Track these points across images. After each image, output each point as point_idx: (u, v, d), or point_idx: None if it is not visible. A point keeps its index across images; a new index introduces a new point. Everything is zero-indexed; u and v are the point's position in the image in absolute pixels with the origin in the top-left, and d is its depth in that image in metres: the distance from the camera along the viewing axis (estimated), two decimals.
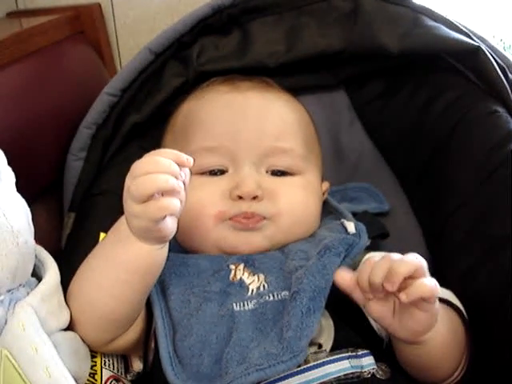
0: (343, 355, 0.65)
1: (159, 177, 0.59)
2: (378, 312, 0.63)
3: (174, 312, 0.70)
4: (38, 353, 0.56)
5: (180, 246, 0.78)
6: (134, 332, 0.71)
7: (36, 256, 0.67)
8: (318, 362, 0.64)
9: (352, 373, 0.64)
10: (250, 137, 0.77)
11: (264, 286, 0.70)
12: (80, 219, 0.87)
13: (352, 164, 0.98)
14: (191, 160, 0.61)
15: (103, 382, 0.70)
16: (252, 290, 0.70)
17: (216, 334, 0.67)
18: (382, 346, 0.69)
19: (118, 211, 0.83)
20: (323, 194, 0.85)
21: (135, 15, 1.12)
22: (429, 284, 0.59)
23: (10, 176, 0.65)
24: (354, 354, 0.66)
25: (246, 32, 0.92)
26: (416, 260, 0.60)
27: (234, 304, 0.69)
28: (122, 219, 0.65)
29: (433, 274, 0.76)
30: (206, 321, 0.68)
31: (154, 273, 0.66)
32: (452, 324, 0.68)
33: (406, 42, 0.85)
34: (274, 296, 0.69)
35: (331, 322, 0.68)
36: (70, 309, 0.67)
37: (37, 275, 0.67)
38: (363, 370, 0.64)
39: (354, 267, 0.75)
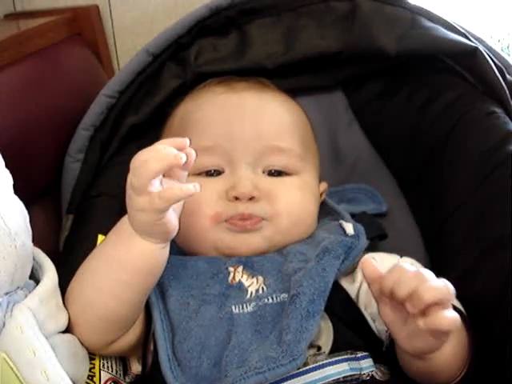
0: (342, 357, 0.65)
1: (155, 158, 0.58)
2: (389, 317, 0.61)
3: (173, 314, 0.70)
4: (36, 355, 0.56)
5: (179, 248, 0.78)
6: (133, 334, 0.71)
7: (34, 258, 0.67)
8: (317, 364, 0.64)
9: (351, 375, 0.64)
10: (246, 137, 0.77)
11: (263, 288, 0.70)
12: (78, 221, 0.87)
13: (350, 165, 0.98)
14: (187, 140, 0.61)
15: None
16: (251, 293, 0.70)
17: (215, 336, 0.67)
18: (382, 348, 0.69)
19: (116, 213, 0.84)
20: (321, 194, 0.85)
21: (133, 17, 1.12)
22: (450, 318, 0.56)
23: (7, 178, 0.65)
24: (353, 356, 0.66)
25: (243, 33, 0.92)
26: (444, 288, 0.57)
27: (233, 306, 0.69)
28: (124, 220, 0.65)
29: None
30: (205, 323, 0.68)
31: (155, 274, 0.66)
32: (457, 333, 0.67)
33: (403, 43, 0.85)
34: (273, 298, 0.69)
35: (330, 325, 0.68)
36: (68, 311, 0.67)
37: (35, 278, 0.67)
38: (362, 373, 0.65)
39: (352, 268, 0.75)
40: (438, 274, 0.78)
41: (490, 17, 1.15)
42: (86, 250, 0.77)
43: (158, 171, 0.59)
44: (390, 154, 0.96)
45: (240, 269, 0.73)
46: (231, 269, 0.73)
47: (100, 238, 0.80)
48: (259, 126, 0.78)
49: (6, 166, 0.66)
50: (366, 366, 0.65)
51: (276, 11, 0.93)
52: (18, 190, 0.66)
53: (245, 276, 0.72)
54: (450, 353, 0.64)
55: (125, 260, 0.64)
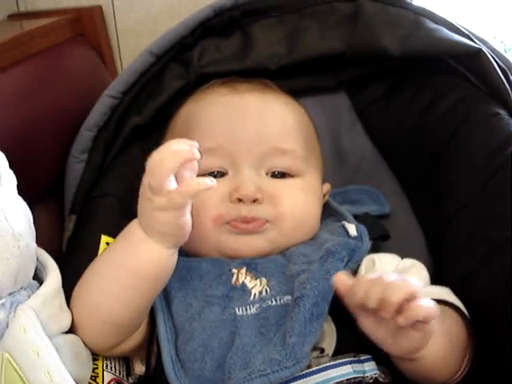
0: (346, 360, 0.65)
1: (169, 156, 0.59)
2: (371, 328, 0.62)
3: (177, 316, 0.70)
4: (40, 356, 0.56)
5: (182, 250, 0.78)
6: (137, 336, 0.71)
7: (37, 259, 0.67)
8: (321, 366, 0.64)
9: (354, 378, 0.64)
10: (250, 139, 0.77)
11: (266, 290, 0.70)
12: (81, 221, 0.87)
13: (353, 166, 0.98)
14: (196, 143, 0.61)
15: None
16: (254, 295, 0.70)
17: (218, 338, 0.67)
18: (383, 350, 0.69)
19: (119, 213, 0.84)
20: (324, 195, 0.85)
21: (136, 17, 1.12)
22: (424, 306, 0.57)
23: (11, 179, 0.65)
24: (356, 358, 0.66)
25: (247, 34, 0.92)
26: (407, 285, 0.58)
27: (237, 308, 0.69)
28: (133, 224, 0.65)
29: (434, 275, 0.77)
30: (209, 325, 0.68)
31: (163, 280, 0.66)
32: (451, 329, 0.68)
33: (406, 45, 0.85)
34: (276, 300, 0.69)
35: (333, 327, 0.68)
36: (74, 313, 0.67)
37: (38, 278, 0.67)
38: (365, 375, 0.65)
39: (355, 269, 0.75)
40: (441, 275, 0.79)
41: (493, 18, 1.15)
42: (89, 251, 0.78)
43: (174, 167, 0.59)
44: (393, 155, 0.95)
45: (243, 270, 0.73)
46: (234, 270, 0.73)
47: (103, 238, 0.80)
48: (262, 127, 0.78)
49: (10, 166, 0.66)
50: (370, 368, 0.65)
51: (279, 12, 0.93)
52: (21, 190, 0.66)
53: (248, 278, 0.72)
54: (440, 350, 0.64)
55: (134, 265, 0.64)
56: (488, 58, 0.82)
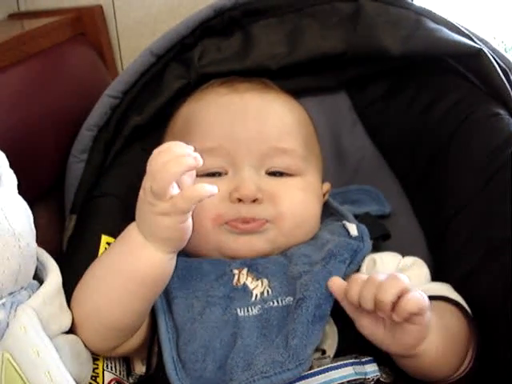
0: (347, 361, 0.65)
1: (174, 161, 0.59)
2: (368, 329, 0.63)
3: (178, 316, 0.70)
4: (40, 356, 0.56)
5: (183, 250, 0.78)
6: (137, 338, 0.70)
7: (38, 259, 0.67)
8: (322, 367, 0.64)
9: (355, 379, 0.64)
10: (249, 138, 0.77)
11: (268, 291, 0.70)
12: (81, 221, 0.87)
13: (353, 166, 0.98)
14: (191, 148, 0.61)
15: None
16: (256, 295, 0.70)
17: (220, 339, 0.67)
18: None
19: (119, 213, 0.84)
20: (324, 195, 0.85)
21: (137, 17, 1.12)
22: (415, 299, 0.59)
23: (11, 179, 0.65)
24: (357, 360, 0.66)
25: (247, 34, 0.92)
26: (397, 282, 0.60)
27: (238, 309, 0.69)
28: (131, 228, 0.65)
29: (434, 275, 0.77)
30: (210, 326, 0.68)
31: (162, 283, 0.66)
32: (451, 325, 0.68)
33: (407, 45, 0.85)
34: (278, 302, 0.69)
35: (335, 328, 0.68)
36: (73, 315, 0.66)
37: (38, 278, 0.67)
38: (367, 377, 0.65)
39: (356, 270, 0.75)
40: (442, 275, 0.79)
41: (493, 18, 1.15)
42: (89, 250, 0.78)
43: (178, 173, 0.59)
44: (394, 155, 0.96)
45: (244, 271, 0.73)
46: (236, 271, 0.73)
47: (103, 238, 0.80)
48: (262, 127, 0.78)
49: (10, 166, 0.66)
50: (371, 370, 0.65)
51: (280, 12, 0.92)
52: (21, 190, 0.66)
53: (249, 278, 0.72)
54: (440, 346, 0.65)
55: (133, 270, 0.64)
56: (488, 57, 0.82)
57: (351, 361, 0.65)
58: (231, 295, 0.71)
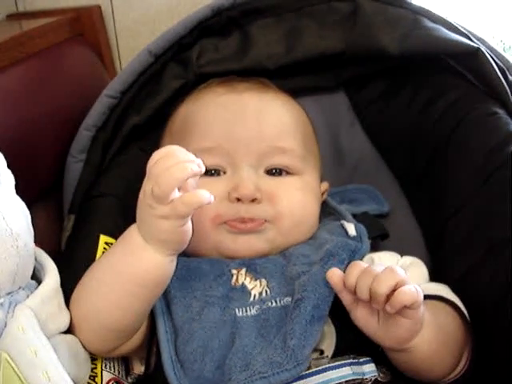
0: (345, 362, 0.65)
1: (177, 167, 0.58)
2: (363, 320, 0.64)
3: (176, 316, 0.70)
4: (38, 356, 0.56)
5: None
6: (136, 338, 0.70)
7: (36, 259, 0.67)
8: (320, 368, 0.65)
9: (353, 380, 0.64)
10: (248, 138, 0.77)
11: (266, 291, 0.71)
12: (80, 221, 0.87)
13: (352, 165, 0.98)
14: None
15: None
16: (254, 296, 0.70)
17: (218, 339, 0.67)
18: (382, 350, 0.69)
19: (117, 213, 0.84)
20: (322, 194, 0.85)
21: (135, 17, 1.12)
22: (409, 292, 0.59)
23: (9, 179, 0.65)
24: (355, 360, 0.66)
25: (245, 34, 0.92)
26: (393, 275, 0.61)
27: (237, 309, 0.69)
28: (132, 230, 0.64)
29: (432, 274, 0.78)
30: (208, 325, 0.68)
31: (162, 285, 0.66)
32: (445, 323, 0.69)
33: (405, 44, 0.85)
34: (276, 302, 0.69)
35: (333, 328, 0.68)
36: (72, 316, 0.66)
37: (37, 278, 0.67)
38: (365, 377, 0.65)
39: None
40: (440, 274, 0.79)
41: (492, 17, 1.15)
42: (87, 250, 0.78)
43: (182, 180, 0.59)
44: (392, 154, 0.96)
45: (243, 271, 0.73)
46: (234, 271, 0.73)
47: (102, 238, 0.80)
48: (260, 126, 0.78)
49: (9, 166, 0.66)
50: (369, 370, 0.66)
51: (278, 11, 0.92)
52: (20, 190, 0.66)
53: (248, 278, 0.72)
54: (433, 342, 0.65)
55: (133, 272, 0.64)
56: (486, 57, 0.82)
57: (349, 361, 0.65)
58: (230, 295, 0.71)
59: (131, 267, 0.64)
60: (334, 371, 0.64)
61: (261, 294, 0.70)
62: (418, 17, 0.87)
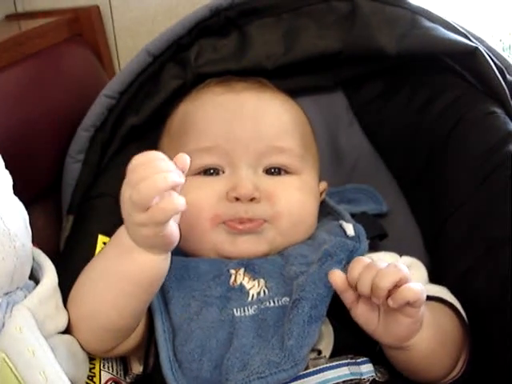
0: (343, 362, 0.65)
1: (158, 177, 0.57)
2: (363, 317, 0.64)
3: (174, 316, 0.70)
4: (35, 356, 0.56)
5: (180, 249, 0.78)
6: (134, 338, 0.70)
7: (34, 259, 0.67)
8: (318, 368, 0.65)
9: (351, 380, 0.64)
10: (246, 137, 0.77)
11: (264, 291, 0.70)
12: (78, 222, 0.87)
13: (350, 165, 0.98)
14: (187, 157, 0.61)
15: None
16: (252, 296, 0.70)
17: (216, 338, 0.67)
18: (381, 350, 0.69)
19: (116, 213, 0.83)
20: (321, 194, 0.85)
21: (134, 17, 1.12)
22: (414, 288, 0.60)
23: (6, 179, 0.65)
24: (353, 361, 0.66)
25: (244, 34, 0.92)
26: (397, 270, 0.61)
27: (235, 309, 0.69)
28: (121, 230, 0.64)
29: (431, 274, 0.78)
30: (206, 325, 0.68)
31: (157, 284, 0.66)
32: (444, 323, 0.69)
33: (403, 44, 0.85)
34: (274, 302, 0.69)
35: (331, 328, 0.68)
36: (71, 316, 0.67)
37: (35, 278, 0.67)
38: (362, 378, 0.65)
39: None
40: (439, 274, 0.79)
41: (491, 16, 1.15)
42: (86, 251, 0.78)
43: (163, 190, 0.58)
44: (391, 154, 0.95)
45: (241, 271, 0.72)
46: (232, 271, 0.73)
47: (100, 238, 0.80)
48: (259, 126, 0.78)
49: (7, 166, 0.66)
50: (366, 371, 0.66)
51: (276, 11, 0.92)
52: (18, 190, 0.66)
53: (246, 278, 0.72)
54: (431, 341, 0.65)
55: (127, 272, 0.64)
56: (484, 56, 0.82)
57: (347, 361, 0.65)
58: (228, 295, 0.70)
59: (124, 267, 0.64)
60: (331, 371, 0.64)
61: (259, 294, 0.70)
62: (416, 16, 0.86)
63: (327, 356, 0.66)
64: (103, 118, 0.89)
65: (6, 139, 0.78)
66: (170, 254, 0.65)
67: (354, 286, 0.63)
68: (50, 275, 0.66)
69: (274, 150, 0.78)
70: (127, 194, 0.59)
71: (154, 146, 0.86)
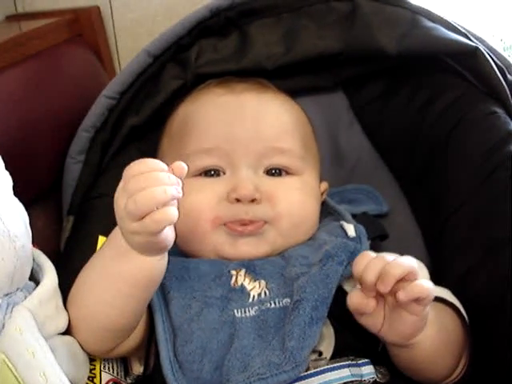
0: (343, 363, 0.65)
1: (158, 190, 0.57)
2: (369, 316, 0.63)
3: (175, 316, 0.69)
4: (35, 357, 0.56)
5: (180, 250, 0.78)
6: (134, 338, 0.70)
7: (34, 260, 0.67)
8: (318, 369, 0.65)
9: (352, 381, 0.64)
10: (247, 138, 0.77)
11: (265, 292, 0.70)
12: (79, 222, 0.87)
13: (351, 165, 0.98)
14: (184, 166, 0.60)
15: None
16: (253, 297, 0.70)
17: (217, 339, 0.67)
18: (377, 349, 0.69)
19: None
20: (322, 194, 0.85)
21: (134, 18, 1.12)
22: (426, 285, 0.60)
23: (6, 180, 0.65)
24: (354, 362, 0.66)
25: (244, 34, 0.92)
26: (410, 262, 0.61)
27: (236, 310, 0.69)
28: (117, 231, 0.63)
29: (432, 274, 0.77)
30: (207, 326, 0.68)
31: (155, 283, 0.66)
32: (447, 323, 0.69)
33: (404, 44, 0.85)
34: (275, 303, 0.69)
35: (332, 330, 0.68)
36: (70, 316, 0.66)
37: (35, 279, 0.67)
38: (363, 379, 0.65)
39: None
40: (440, 274, 0.79)
41: (492, 16, 1.15)
42: (86, 252, 0.77)
43: (161, 203, 0.57)
44: (391, 154, 0.95)
45: (242, 272, 0.72)
46: (233, 272, 0.72)
47: (101, 239, 0.80)
48: (259, 127, 0.78)
49: (7, 167, 0.66)
50: (367, 372, 0.66)
51: (276, 12, 0.92)
52: (18, 191, 0.66)
53: (247, 279, 0.72)
54: (435, 340, 0.65)
55: (123, 273, 0.63)
56: (485, 56, 0.82)
57: (347, 362, 0.65)
58: (229, 296, 0.70)
59: (121, 268, 0.63)
60: (332, 373, 0.64)
61: (260, 295, 0.70)
62: (416, 16, 0.86)
63: (328, 357, 0.66)
64: (103, 118, 0.89)
65: (6, 140, 0.79)
66: (166, 254, 0.65)
67: (359, 279, 0.62)
68: (50, 276, 0.66)
69: (274, 150, 0.78)
70: (122, 201, 0.59)
71: (154, 146, 0.87)
